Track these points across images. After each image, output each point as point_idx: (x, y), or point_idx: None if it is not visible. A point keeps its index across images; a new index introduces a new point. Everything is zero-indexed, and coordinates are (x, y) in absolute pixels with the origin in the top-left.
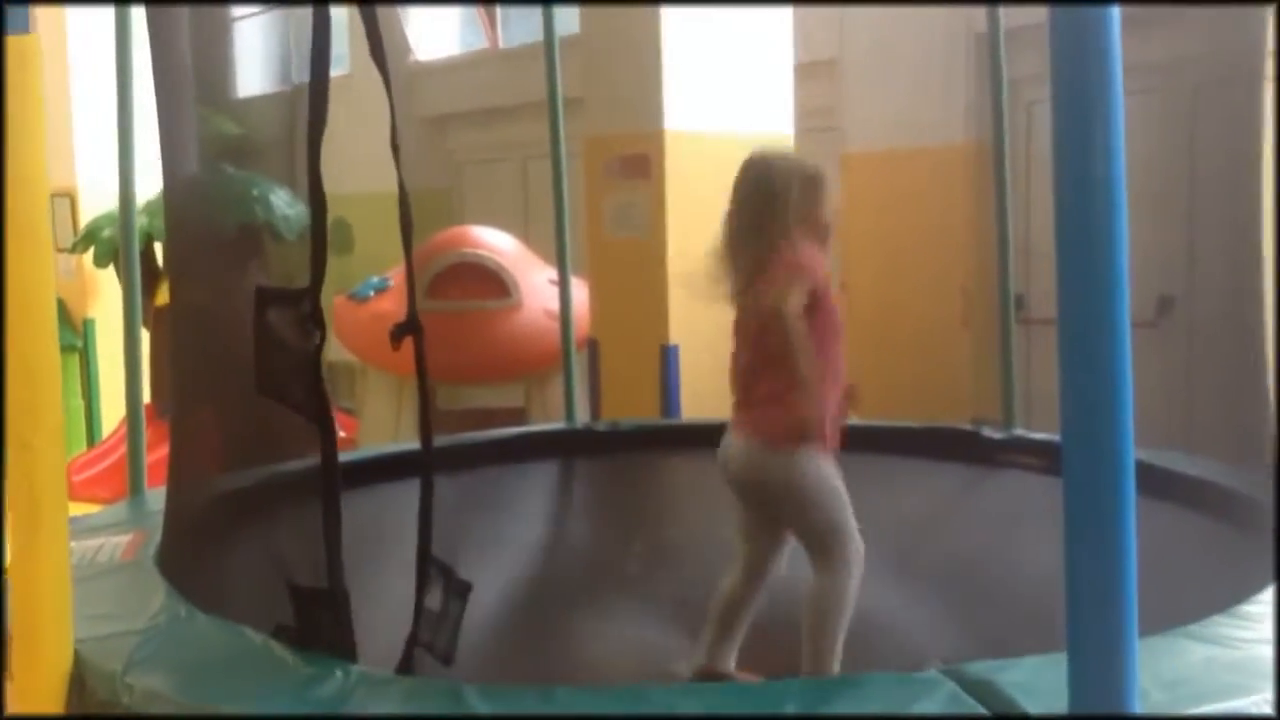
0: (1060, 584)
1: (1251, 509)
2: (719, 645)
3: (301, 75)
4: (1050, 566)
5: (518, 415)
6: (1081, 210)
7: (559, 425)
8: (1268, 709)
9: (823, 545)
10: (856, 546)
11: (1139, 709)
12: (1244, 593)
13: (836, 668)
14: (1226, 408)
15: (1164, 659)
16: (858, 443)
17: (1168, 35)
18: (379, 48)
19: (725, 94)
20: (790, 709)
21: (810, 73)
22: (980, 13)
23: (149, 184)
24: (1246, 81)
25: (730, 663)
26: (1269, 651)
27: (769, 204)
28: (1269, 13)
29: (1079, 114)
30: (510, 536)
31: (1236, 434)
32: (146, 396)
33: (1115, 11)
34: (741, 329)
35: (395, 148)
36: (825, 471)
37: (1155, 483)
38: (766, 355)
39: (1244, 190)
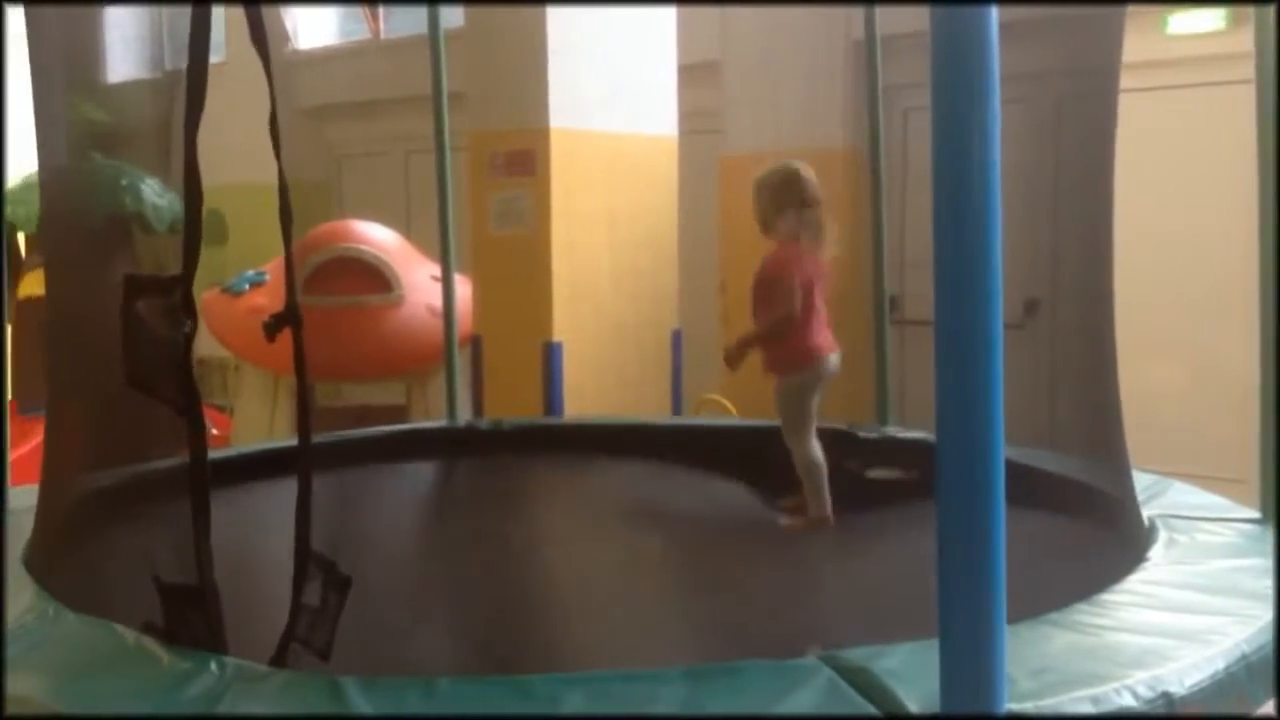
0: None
1: (1107, 503)
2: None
3: (174, 62)
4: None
5: (399, 413)
6: (958, 217)
7: (441, 423)
8: (1128, 696)
9: None
10: None
11: (1006, 697)
12: (1102, 582)
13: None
14: (1083, 406)
15: (1029, 646)
16: (733, 440)
17: (1037, 47)
18: (261, 34)
19: (610, 93)
20: (671, 696)
21: (694, 74)
22: (859, 19)
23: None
24: (1102, 94)
25: None
26: (1126, 638)
27: None
28: (1123, 30)
29: (958, 123)
30: (390, 535)
31: (1091, 431)
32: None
33: (994, 20)
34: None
35: (275, 135)
36: None
37: (1022, 478)
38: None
39: (1097, 198)
